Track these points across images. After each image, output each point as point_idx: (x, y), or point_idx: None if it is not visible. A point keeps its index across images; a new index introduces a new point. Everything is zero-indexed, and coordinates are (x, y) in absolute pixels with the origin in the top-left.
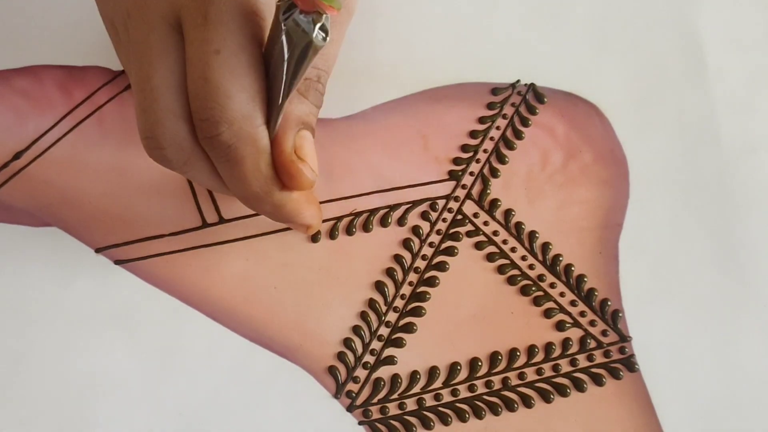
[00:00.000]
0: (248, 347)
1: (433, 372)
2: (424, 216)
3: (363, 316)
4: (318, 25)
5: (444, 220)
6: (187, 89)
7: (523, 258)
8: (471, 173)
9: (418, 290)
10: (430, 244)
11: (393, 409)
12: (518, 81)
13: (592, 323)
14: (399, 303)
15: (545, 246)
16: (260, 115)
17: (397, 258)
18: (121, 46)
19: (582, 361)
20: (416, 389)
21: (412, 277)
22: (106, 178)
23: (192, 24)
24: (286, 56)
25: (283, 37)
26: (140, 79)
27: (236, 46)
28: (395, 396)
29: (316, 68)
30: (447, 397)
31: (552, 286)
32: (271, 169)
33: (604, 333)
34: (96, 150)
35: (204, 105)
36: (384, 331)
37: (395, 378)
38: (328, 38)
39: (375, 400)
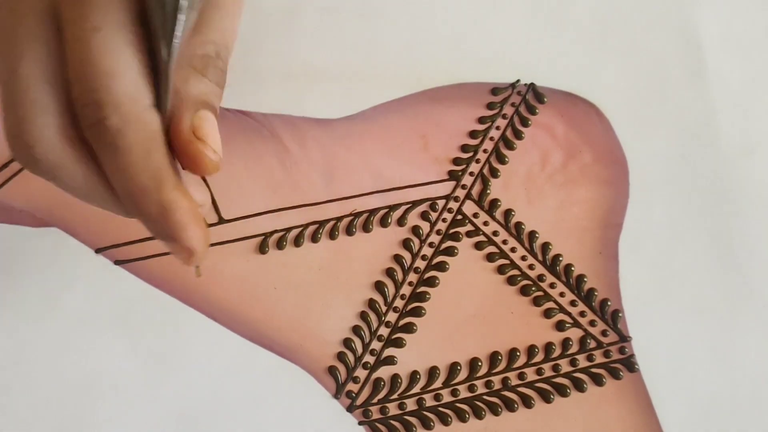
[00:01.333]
0: (248, 347)
1: (433, 372)
2: (424, 216)
3: (363, 316)
4: None
5: (444, 220)
6: (60, 82)
7: (523, 258)
8: (471, 173)
9: (418, 290)
10: (430, 244)
11: (393, 409)
12: (518, 81)
13: (592, 323)
14: (399, 303)
15: (545, 246)
16: (149, 95)
17: (397, 258)
18: None
19: (582, 361)
20: (416, 389)
21: (412, 277)
22: None
23: (68, 3)
24: (159, 22)
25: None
26: (4, 73)
27: (117, 22)
28: (395, 396)
29: (213, 43)
30: (447, 397)
31: (552, 286)
32: (164, 158)
33: (604, 333)
34: None
35: (86, 88)
36: (384, 331)
37: (395, 378)
38: None
39: (375, 400)
